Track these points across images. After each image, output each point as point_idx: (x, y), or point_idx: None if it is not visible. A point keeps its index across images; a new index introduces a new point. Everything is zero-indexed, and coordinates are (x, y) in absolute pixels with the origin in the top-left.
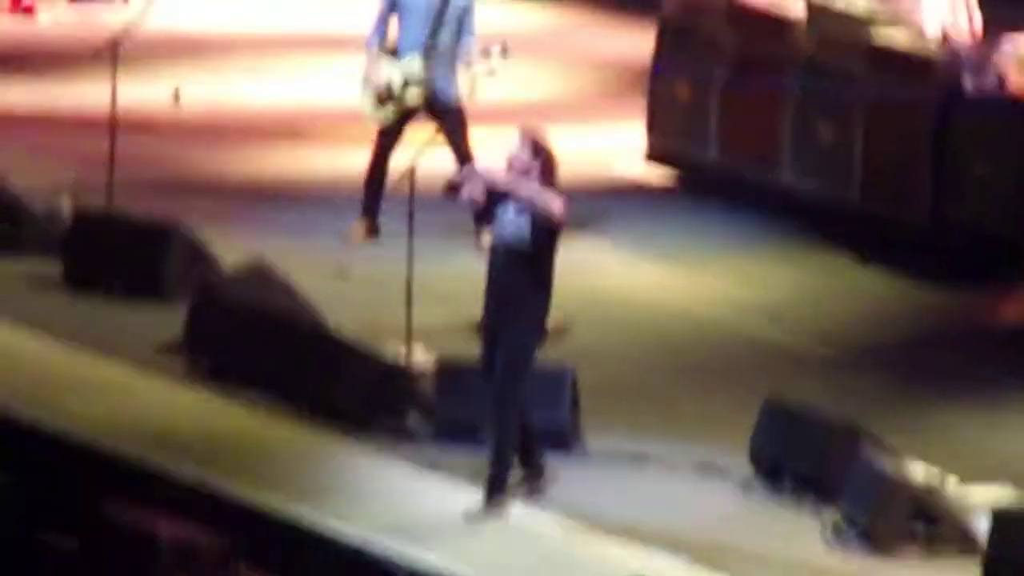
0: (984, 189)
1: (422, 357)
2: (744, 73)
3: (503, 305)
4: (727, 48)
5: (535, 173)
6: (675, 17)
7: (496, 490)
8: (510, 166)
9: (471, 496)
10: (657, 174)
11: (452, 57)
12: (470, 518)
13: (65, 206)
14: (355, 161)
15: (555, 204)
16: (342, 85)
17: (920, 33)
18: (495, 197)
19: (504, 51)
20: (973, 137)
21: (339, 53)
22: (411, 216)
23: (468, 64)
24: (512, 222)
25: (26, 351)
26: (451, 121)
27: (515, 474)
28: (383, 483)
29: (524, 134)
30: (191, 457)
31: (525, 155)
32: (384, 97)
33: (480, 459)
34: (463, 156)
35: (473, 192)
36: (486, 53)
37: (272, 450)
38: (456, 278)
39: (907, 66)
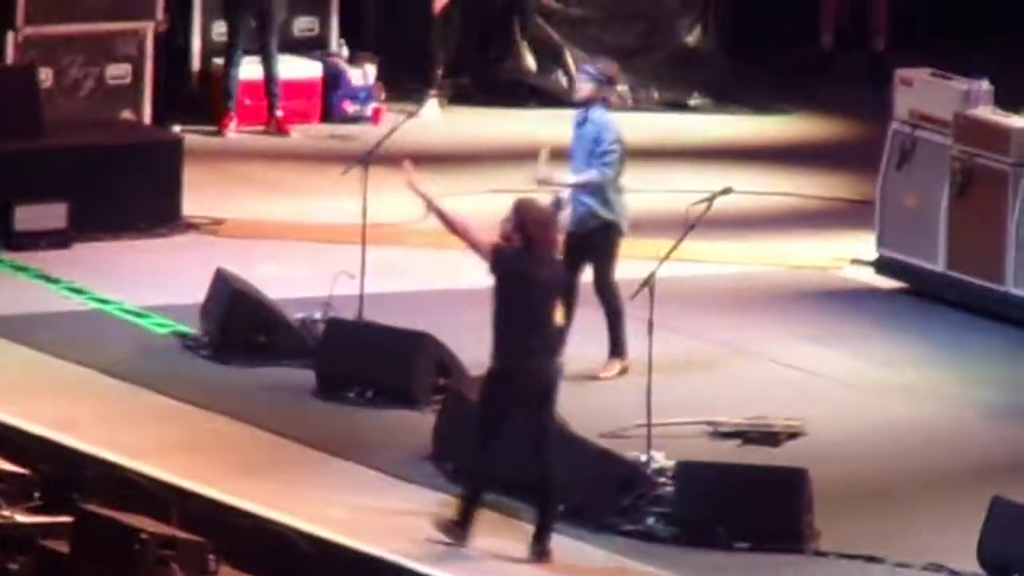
0: None
1: (662, 461)
2: (970, 184)
3: None
4: (953, 159)
5: (515, 239)
6: (903, 129)
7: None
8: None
9: None
10: (886, 283)
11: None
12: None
13: (318, 316)
14: None
15: (483, 252)
16: None
17: None
18: None
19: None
20: None
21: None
22: (651, 325)
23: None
24: None
25: (278, 456)
26: None
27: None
28: None
29: (513, 207)
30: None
31: (510, 225)
32: None
33: (723, 560)
34: None
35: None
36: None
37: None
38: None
39: None
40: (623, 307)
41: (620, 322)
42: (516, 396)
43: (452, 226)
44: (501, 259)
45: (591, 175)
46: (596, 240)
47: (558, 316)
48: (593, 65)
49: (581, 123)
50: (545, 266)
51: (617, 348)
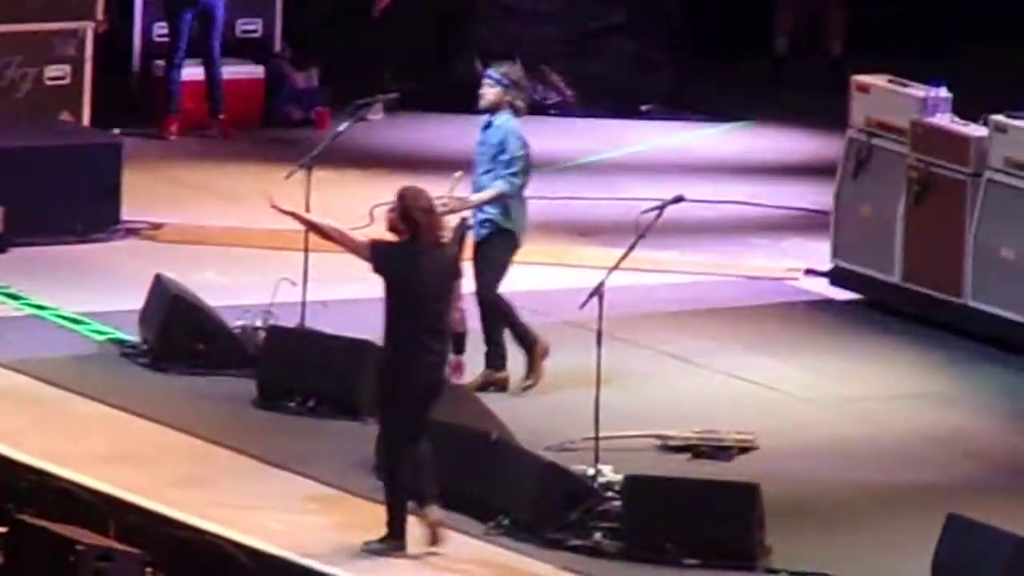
0: None
1: (609, 475)
2: (927, 193)
3: None
4: (910, 168)
5: (401, 228)
6: (859, 136)
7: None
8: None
9: None
10: (842, 294)
11: None
12: None
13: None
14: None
15: (363, 253)
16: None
17: None
18: None
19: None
20: None
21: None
22: (600, 336)
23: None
24: None
25: (217, 467)
26: None
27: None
28: None
29: (397, 195)
30: None
31: (395, 215)
32: None
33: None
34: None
35: None
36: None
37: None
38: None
39: None
40: (510, 304)
41: (516, 318)
42: (403, 390)
43: (326, 235)
44: (382, 256)
45: (500, 188)
46: (490, 248)
47: (453, 308)
48: (498, 69)
49: (485, 128)
50: (432, 255)
51: (527, 340)
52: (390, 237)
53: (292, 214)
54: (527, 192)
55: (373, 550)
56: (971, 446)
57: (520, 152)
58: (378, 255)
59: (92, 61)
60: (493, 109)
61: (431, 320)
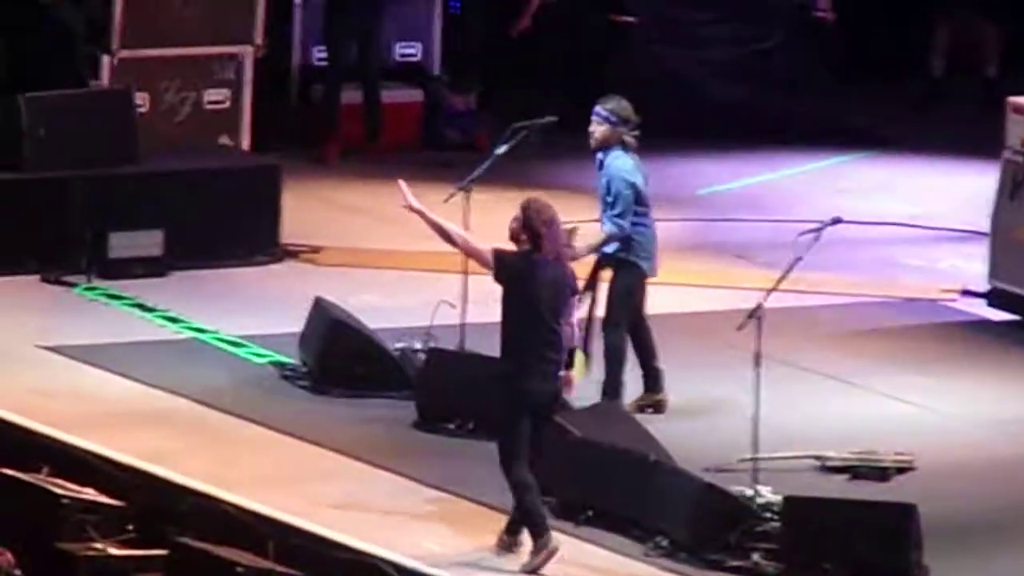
0: None
1: (768, 495)
2: None
3: None
4: None
5: (522, 238)
6: (1015, 158)
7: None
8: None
9: None
10: (999, 315)
11: None
12: None
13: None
14: None
15: (486, 260)
16: None
17: None
18: None
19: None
20: None
21: None
22: (758, 357)
23: None
24: None
25: (376, 488)
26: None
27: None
28: None
29: (521, 207)
30: None
31: (516, 225)
32: None
33: None
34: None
35: None
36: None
37: None
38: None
39: None
40: (642, 342)
41: (649, 355)
42: (519, 399)
43: (451, 239)
44: (504, 263)
45: (607, 231)
46: (614, 279)
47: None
48: (605, 105)
49: (599, 168)
50: (551, 267)
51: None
52: (512, 247)
53: (420, 213)
54: (668, 215)
55: (531, 566)
56: None
57: (625, 191)
58: (500, 262)
59: (251, 85)
60: (603, 147)
61: (545, 331)
